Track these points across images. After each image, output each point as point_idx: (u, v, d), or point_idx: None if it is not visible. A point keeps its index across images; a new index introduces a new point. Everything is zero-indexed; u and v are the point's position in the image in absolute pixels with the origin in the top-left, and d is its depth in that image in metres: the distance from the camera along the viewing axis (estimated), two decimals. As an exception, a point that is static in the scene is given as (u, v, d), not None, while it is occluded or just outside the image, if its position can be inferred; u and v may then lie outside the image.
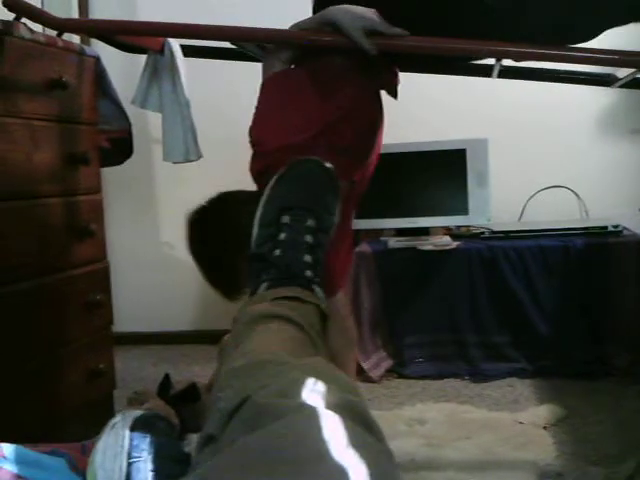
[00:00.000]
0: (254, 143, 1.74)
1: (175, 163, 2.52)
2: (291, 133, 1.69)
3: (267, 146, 1.71)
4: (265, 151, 1.72)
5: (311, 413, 1.04)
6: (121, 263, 3.13)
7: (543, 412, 2.24)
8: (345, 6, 1.67)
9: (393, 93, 1.98)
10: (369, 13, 1.64)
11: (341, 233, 1.80)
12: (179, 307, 3.52)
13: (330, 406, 1.08)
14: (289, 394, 1.09)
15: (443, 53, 1.80)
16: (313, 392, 1.10)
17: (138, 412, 1.27)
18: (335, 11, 1.68)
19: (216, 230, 1.78)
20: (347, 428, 1.04)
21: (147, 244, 3.51)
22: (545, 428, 2.14)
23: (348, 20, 1.64)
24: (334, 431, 1.02)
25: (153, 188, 3.49)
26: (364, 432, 1.09)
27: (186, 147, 2.46)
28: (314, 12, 1.85)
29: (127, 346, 3.27)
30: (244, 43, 2.05)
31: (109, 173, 2.57)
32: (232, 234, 1.72)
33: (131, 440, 1.17)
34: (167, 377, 2.16)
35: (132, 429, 1.20)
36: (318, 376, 1.17)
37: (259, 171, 1.72)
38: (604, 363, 2.62)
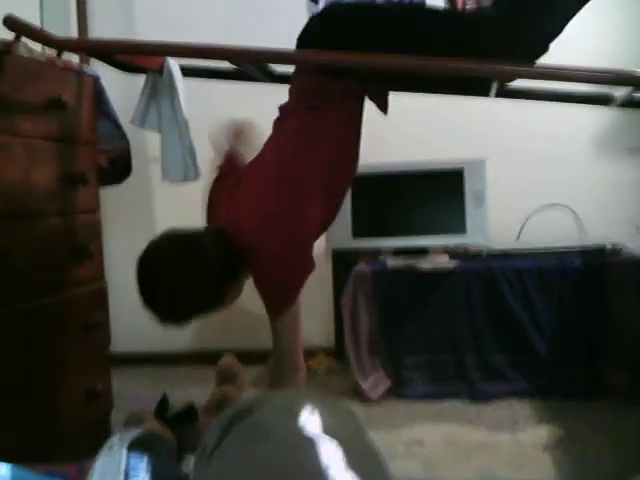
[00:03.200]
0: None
1: (173, 183, 2.52)
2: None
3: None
4: None
5: (309, 439, 1.04)
6: (119, 283, 3.11)
7: (542, 433, 2.23)
8: None
9: (384, 110, 2.03)
10: None
11: None
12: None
13: (329, 432, 1.08)
14: (290, 413, 1.09)
15: (440, 73, 1.82)
16: (312, 417, 1.10)
17: (135, 432, 1.27)
18: None
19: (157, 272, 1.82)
20: (345, 454, 1.03)
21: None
22: (545, 449, 2.13)
23: None
24: (332, 456, 1.01)
25: (151, 208, 3.49)
26: (362, 457, 1.09)
27: (185, 167, 2.46)
28: (298, 47, 1.88)
29: (125, 366, 3.25)
30: (244, 63, 2.06)
31: (107, 192, 2.57)
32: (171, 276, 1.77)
33: (128, 460, 1.16)
34: (165, 398, 2.15)
35: (129, 449, 1.19)
36: (318, 402, 1.17)
37: None
38: (603, 383, 2.61)
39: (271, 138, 2.00)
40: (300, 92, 1.97)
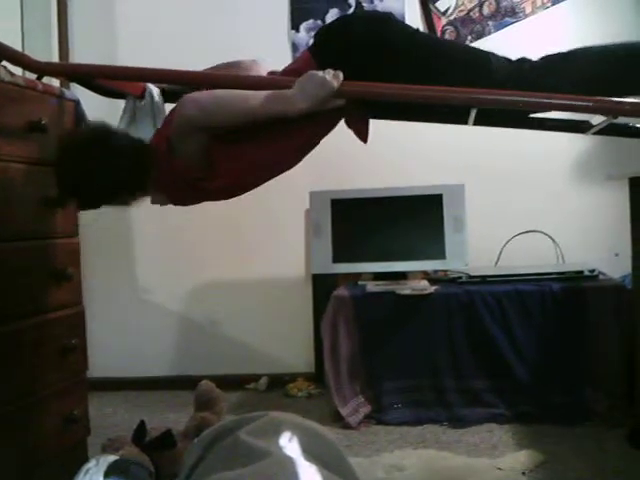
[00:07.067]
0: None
1: (153, 203, 2.51)
2: None
3: None
4: None
5: (289, 462, 1.03)
6: (96, 307, 3.10)
7: (522, 458, 2.23)
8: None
9: (364, 139, 2.03)
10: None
11: None
12: (155, 352, 3.48)
13: (308, 456, 1.07)
14: (272, 434, 1.08)
15: (419, 101, 1.84)
16: (293, 439, 1.10)
17: (112, 457, 1.25)
18: None
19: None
20: (324, 478, 1.03)
21: (123, 288, 3.48)
22: (524, 474, 2.12)
23: None
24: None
25: (130, 232, 3.47)
26: (341, 481, 1.08)
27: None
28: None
29: (102, 392, 3.22)
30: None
31: (85, 215, 2.55)
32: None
33: (105, 486, 1.15)
34: (142, 423, 2.13)
35: (106, 475, 1.18)
36: (299, 425, 1.16)
37: None
38: (583, 408, 2.62)
39: None
40: None
